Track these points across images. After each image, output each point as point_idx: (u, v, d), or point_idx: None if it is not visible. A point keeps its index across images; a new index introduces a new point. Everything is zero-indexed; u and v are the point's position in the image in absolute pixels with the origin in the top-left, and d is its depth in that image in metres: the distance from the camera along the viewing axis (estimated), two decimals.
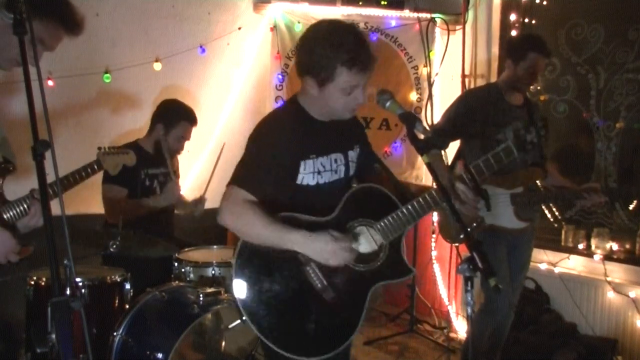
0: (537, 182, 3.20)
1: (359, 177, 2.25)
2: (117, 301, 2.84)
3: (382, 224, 2.06)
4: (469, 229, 1.72)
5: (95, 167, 2.50)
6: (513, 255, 3.24)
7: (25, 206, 2.13)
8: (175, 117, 3.53)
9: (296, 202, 2.03)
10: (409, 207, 2.06)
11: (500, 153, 2.16)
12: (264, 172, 1.97)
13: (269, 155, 1.98)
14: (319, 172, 2.06)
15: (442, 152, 3.24)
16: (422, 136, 1.95)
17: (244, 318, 1.94)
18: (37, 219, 2.08)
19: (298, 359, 1.95)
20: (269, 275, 1.96)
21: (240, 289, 1.94)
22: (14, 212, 2.13)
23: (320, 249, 1.90)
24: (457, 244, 3.64)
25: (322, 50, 1.91)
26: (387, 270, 2.08)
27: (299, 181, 2.04)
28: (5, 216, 2.12)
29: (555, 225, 4.18)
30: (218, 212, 1.98)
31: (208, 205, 3.62)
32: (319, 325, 1.99)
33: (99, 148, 2.63)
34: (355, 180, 2.25)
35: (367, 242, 2.06)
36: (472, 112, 3.19)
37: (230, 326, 2.49)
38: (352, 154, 2.20)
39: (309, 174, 2.04)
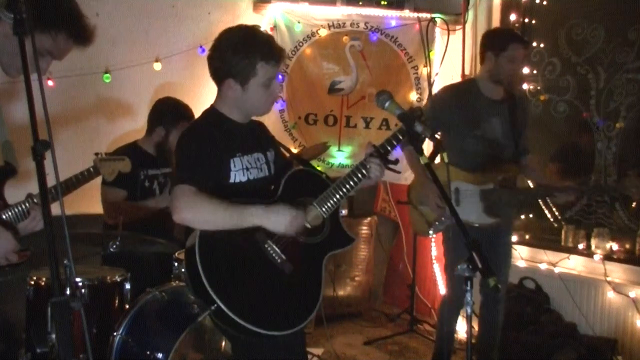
0: (507, 177, 3.19)
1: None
2: (117, 301, 2.84)
3: (319, 200, 2.23)
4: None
5: (93, 172, 2.55)
6: (488, 251, 3.22)
7: (22, 207, 2.12)
8: (174, 118, 3.52)
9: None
10: (339, 183, 2.26)
11: (397, 134, 2.28)
12: (202, 167, 2.11)
13: (202, 154, 2.13)
14: (247, 169, 2.23)
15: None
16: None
17: (214, 307, 1.98)
18: (37, 222, 2.07)
19: (279, 334, 2.05)
20: (232, 260, 2.07)
21: (207, 277, 1.99)
22: (14, 216, 2.12)
23: (278, 218, 2.05)
24: (429, 236, 3.67)
25: (242, 51, 2.13)
26: (332, 241, 2.28)
27: (232, 179, 2.18)
28: (5, 218, 2.11)
29: (555, 225, 4.19)
30: (173, 212, 2.06)
31: None
32: (286, 298, 2.13)
33: (96, 154, 2.66)
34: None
35: (312, 217, 2.22)
36: (449, 107, 3.20)
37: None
38: (270, 155, 2.38)
39: (239, 170, 2.20)
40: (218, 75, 2.24)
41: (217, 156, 2.15)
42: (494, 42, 3.20)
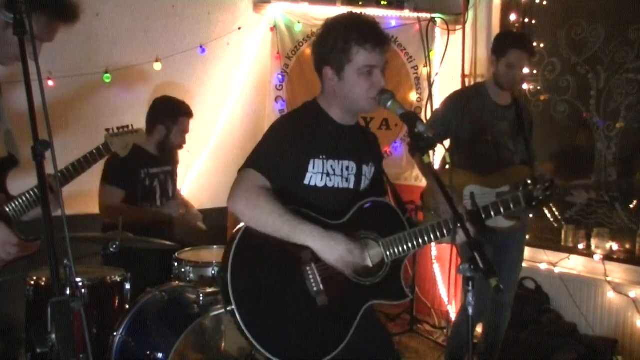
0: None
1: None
2: (117, 301, 2.84)
3: (388, 241, 2.04)
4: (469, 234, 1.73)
5: (103, 150, 2.40)
6: (503, 255, 3.19)
7: (26, 197, 2.11)
8: (173, 116, 3.56)
9: (303, 202, 2.00)
10: (417, 231, 2.05)
11: (508, 200, 2.24)
12: (277, 158, 1.97)
13: (283, 144, 1.99)
14: (328, 175, 2.04)
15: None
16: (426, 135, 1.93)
17: (229, 308, 1.85)
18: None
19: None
20: (265, 268, 1.90)
21: (233, 276, 1.87)
22: (18, 207, 2.12)
23: (332, 246, 1.87)
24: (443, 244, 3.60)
25: (336, 34, 1.98)
26: (383, 289, 2.04)
27: (306, 181, 2.02)
28: (9, 211, 2.10)
29: (555, 225, 4.19)
30: (230, 197, 1.92)
31: (206, 205, 3.60)
32: (304, 330, 1.91)
33: (107, 130, 2.52)
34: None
35: (369, 256, 2.02)
36: (460, 113, 3.18)
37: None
38: (366, 169, 2.17)
39: (317, 174, 2.02)
40: (317, 63, 2.05)
41: (297, 153, 1.98)
42: (497, 47, 3.18)
